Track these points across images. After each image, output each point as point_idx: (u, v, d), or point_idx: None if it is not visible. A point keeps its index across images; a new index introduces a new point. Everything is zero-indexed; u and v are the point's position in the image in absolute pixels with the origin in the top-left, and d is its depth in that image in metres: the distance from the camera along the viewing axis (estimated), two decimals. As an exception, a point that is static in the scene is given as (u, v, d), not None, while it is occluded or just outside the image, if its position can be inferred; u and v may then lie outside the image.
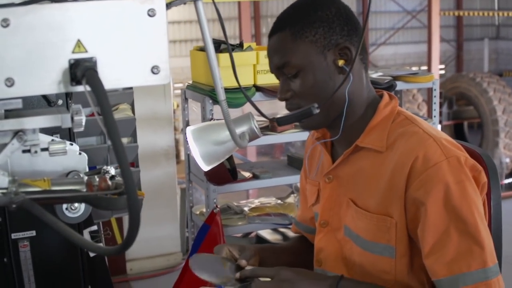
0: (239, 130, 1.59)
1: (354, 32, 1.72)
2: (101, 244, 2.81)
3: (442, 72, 14.90)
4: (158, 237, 5.31)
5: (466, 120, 11.82)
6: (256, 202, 4.18)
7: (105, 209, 1.37)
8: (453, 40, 15.78)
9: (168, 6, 1.30)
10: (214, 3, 1.41)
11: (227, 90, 3.42)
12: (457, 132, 11.66)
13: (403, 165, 1.62)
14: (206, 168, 1.66)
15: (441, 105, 10.68)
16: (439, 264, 1.57)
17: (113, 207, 1.36)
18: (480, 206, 1.61)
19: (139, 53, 1.22)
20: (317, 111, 1.56)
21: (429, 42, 10.87)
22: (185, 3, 1.37)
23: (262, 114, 1.60)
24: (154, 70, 1.24)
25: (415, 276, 1.69)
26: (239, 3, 10.34)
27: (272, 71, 1.80)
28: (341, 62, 1.69)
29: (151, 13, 1.22)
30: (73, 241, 1.31)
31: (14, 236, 2.79)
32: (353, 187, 1.76)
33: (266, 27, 13.67)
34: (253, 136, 1.61)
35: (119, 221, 4.81)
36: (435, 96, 4.00)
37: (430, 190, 1.57)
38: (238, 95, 3.43)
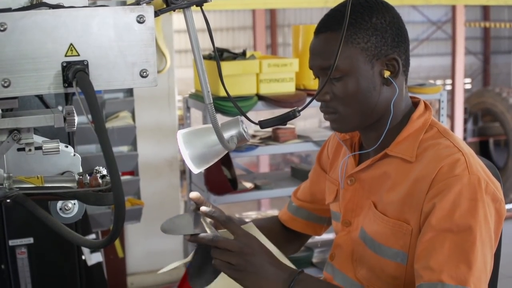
0: (228, 134, 1.72)
1: (402, 44, 1.80)
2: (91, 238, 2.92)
3: (468, 86, 14.93)
4: (160, 250, 5.42)
5: (492, 137, 11.81)
6: (259, 214, 4.34)
7: (93, 204, 1.51)
8: (480, 53, 15.80)
9: (157, 13, 1.45)
10: (202, 11, 1.56)
11: (229, 99, 3.59)
12: (483, 150, 11.66)
13: (427, 174, 1.71)
14: (196, 170, 1.79)
15: (465, 121, 10.73)
16: (424, 269, 1.65)
17: (101, 202, 1.50)
18: (485, 232, 1.65)
19: (128, 57, 1.37)
20: (298, 115, 1.68)
21: (453, 54, 10.90)
22: (174, 11, 1.52)
23: (247, 118, 1.72)
24: (143, 73, 1.39)
25: None
26: (253, 11, 10.48)
27: (311, 68, 1.86)
28: (387, 74, 1.78)
29: (140, 19, 1.37)
30: (62, 234, 1.45)
31: (11, 243, 2.94)
32: (376, 191, 1.86)
33: (282, 37, 13.74)
34: (241, 140, 1.74)
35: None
36: (442, 108, 4.13)
37: (443, 196, 1.66)
38: (240, 103, 3.59)
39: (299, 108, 1.67)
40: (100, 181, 1.55)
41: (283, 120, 1.68)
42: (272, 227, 2.28)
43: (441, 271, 1.62)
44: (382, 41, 1.76)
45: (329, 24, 1.80)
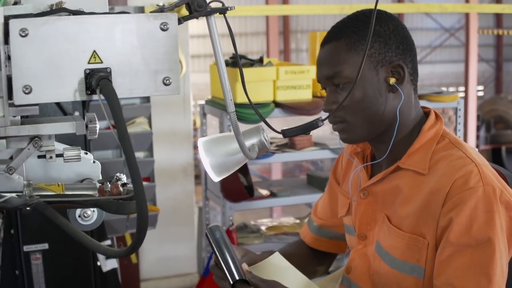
0: (249, 142, 1.70)
1: (408, 52, 1.79)
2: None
3: (481, 93, 14.87)
4: (174, 256, 5.41)
5: (504, 144, 11.78)
6: (274, 221, 4.32)
7: (115, 212, 1.48)
8: (492, 60, 15.74)
9: (180, 20, 1.43)
10: (225, 18, 1.54)
11: (246, 106, 3.59)
12: (495, 157, 11.62)
13: (442, 187, 1.69)
14: (216, 179, 1.77)
15: (478, 129, 10.70)
16: (445, 286, 1.65)
17: (123, 211, 1.48)
18: (502, 242, 1.65)
19: (151, 64, 1.35)
20: (322, 124, 1.66)
21: (466, 61, 10.90)
22: (197, 18, 1.49)
23: (269, 127, 1.70)
24: (166, 81, 1.37)
25: None
26: (267, 17, 10.48)
27: (319, 81, 1.87)
28: (392, 80, 1.77)
29: (164, 27, 1.34)
30: (83, 242, 1.43)
31: (26, 248, 2.92)
32: (389, 204, 1.84)
33: (295, 43, 13.72)
34: (263, 149, 1.72)
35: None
36: (459, 116, 4.12)
37: (459, 211, 1.64)
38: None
39: (322, 118, 1.66)
40: (121, 189, 1.53)
41: (306, 129, 1.66)
42: (298, 251, 2.26)
43: (463, 287, 1.62)
44: (385, 48, 1.76)
45: (333, 35, 1.82)
